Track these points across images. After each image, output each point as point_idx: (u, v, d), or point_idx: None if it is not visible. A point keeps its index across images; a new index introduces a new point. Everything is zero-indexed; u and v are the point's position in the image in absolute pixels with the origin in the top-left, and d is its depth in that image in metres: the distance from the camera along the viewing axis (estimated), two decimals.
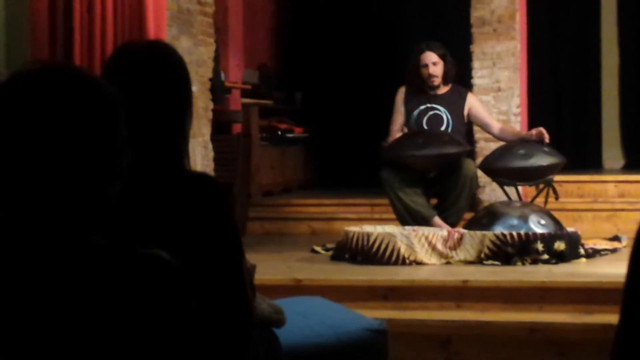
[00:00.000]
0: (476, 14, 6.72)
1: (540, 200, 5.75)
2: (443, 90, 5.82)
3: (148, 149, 1.92)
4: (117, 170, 1.40)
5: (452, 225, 5.50)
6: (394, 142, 5.68)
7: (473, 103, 5.87)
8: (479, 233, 5.08)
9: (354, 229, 5.31)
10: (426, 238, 5.07)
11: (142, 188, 1.85)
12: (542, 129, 5.56)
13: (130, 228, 1.71)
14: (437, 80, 5.74)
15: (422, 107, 5.78)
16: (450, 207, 5.58)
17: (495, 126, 5.87)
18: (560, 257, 5.00)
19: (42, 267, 1.32)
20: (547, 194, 5.73)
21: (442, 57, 5.74)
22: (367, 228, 5.41)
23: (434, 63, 5.72)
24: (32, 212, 1.34)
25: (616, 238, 5.84)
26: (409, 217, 5.53)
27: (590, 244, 5.43)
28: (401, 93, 5.89)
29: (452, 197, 5.56)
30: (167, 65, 2.00)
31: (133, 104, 1.61)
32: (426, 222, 5.49)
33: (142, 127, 1.89)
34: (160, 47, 2.06)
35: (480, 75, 6.73)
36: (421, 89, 5.80)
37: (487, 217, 5.34)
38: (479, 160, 6.11)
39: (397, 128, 5.84)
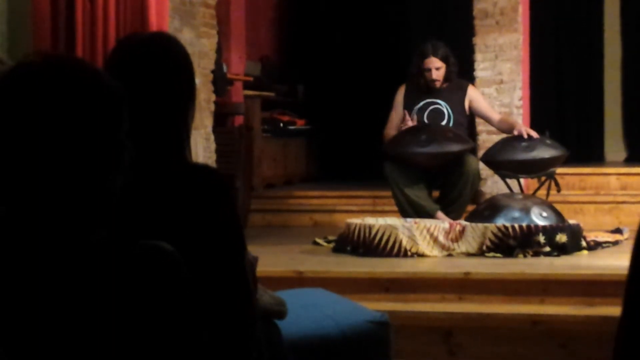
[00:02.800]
0: (479, 6, 6.72)
1: (542, 193, 5.75)
2: (443, 84, 5.82)
3: (150, 142, 1.92)
4: (119, 164, 1.40)
5: (454, 220, 5.49)
6: (396, 137, 5.67)
7: (473, 95, 5.87)
8: (480, 225, 5.07)
9: (355, 221, 5.31)
10: (428, 230, 5.07)
11: (144, 180, 1.85)
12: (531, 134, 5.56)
13: (133, 220, 1.71)
14: (438, 84, 5.79)
15: (423, 102, 5.80)
16: (453, 203, 5.57)
17: (496, 118, 5.87)
18: (562, 250, 5.00)
19: (42, 260, 1.32)
20: (549, 186, 5.73)
21: (444, 59, 5.75)
22: (369, 220, 5.40)
23: (437, 68, 5.75)
24: (32, 206, 1.34)
25: (618, 230, 5.83)
26: (412, 211, 5.52)
27: (592, 236, 5.43)
28: (401, 92, 5.90)
29: (455, 193, 5.56)
30: (171, 58, 1.99)
31: (136, 96, 1.61)
32: (429, 216, 5.48)
33: (145, 120, 1.89)
34: (164, 39, 2.05)
35: (482, 68, 6.72)
36: (422, 85, 5.81)
37: (488, 209, 5.33)
38: (481, 153, 6.11)
39: (393, 126, 5.84)
